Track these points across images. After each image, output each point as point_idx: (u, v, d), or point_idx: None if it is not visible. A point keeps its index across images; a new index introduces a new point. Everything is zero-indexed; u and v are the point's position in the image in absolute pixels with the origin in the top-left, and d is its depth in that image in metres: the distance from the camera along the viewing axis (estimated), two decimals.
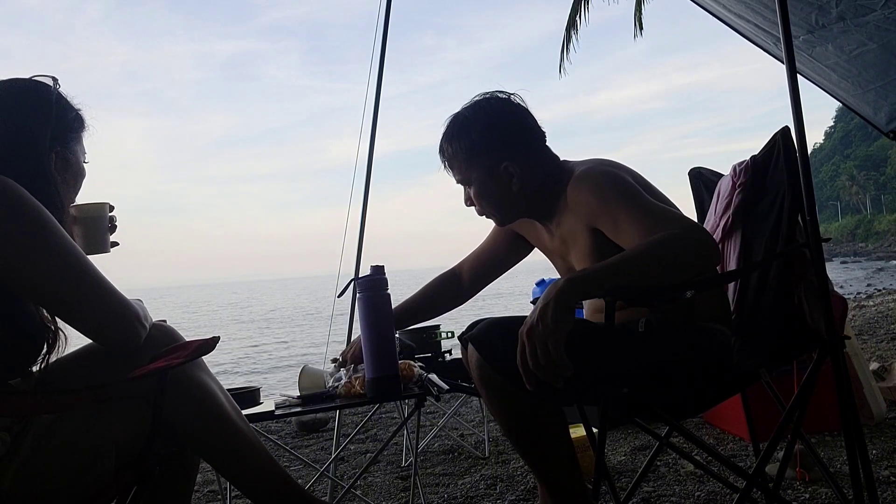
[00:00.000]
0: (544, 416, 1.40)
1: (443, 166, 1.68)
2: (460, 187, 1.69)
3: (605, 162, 1.57)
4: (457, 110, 1.64)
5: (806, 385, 1.48)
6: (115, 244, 1.52)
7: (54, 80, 1.35)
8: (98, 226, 1.46)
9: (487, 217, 1.71)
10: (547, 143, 1.65)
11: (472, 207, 1.69)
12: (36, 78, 1.34)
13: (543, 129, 1.65)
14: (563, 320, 1.17)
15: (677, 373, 1.44)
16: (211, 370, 1.41)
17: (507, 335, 1.35)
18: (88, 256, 1.25)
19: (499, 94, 1.64)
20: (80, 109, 1.38)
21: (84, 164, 1.40)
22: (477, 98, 1.65)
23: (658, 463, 2.58)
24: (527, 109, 1.64)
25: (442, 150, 1.65)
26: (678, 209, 1.51)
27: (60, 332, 1.27)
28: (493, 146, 1.59)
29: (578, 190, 1.50)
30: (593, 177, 1.49)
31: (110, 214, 1.50)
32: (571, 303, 1.20)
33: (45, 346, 1.24)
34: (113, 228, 1.50)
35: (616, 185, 1.45)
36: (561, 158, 1.65)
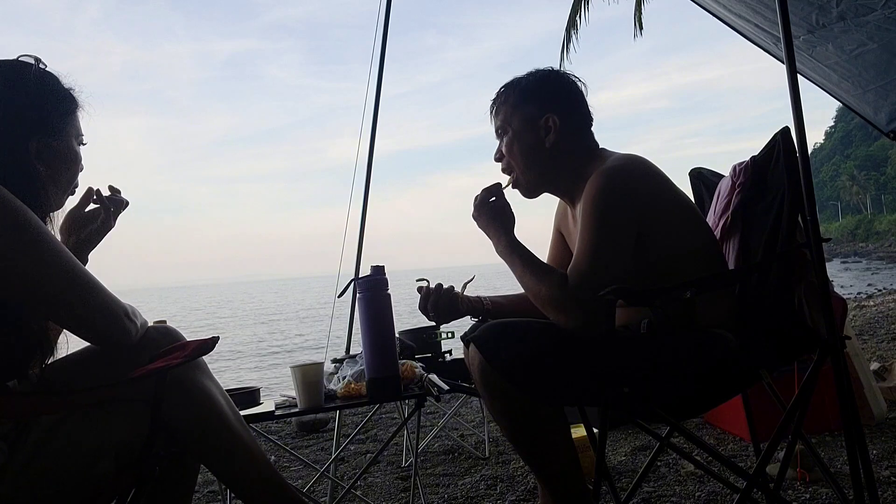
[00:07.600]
0: (545, 418, 1.40)
1: (489, 112, 1.71)
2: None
3: (631, 166, 1.52)
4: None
5: (806, 385, 1.48)
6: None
7: (36, 59, 1.26)
8: (317, 384, 1.86)
9: (510, 175, 1.67)
10: (592, 130, 1.68)
11: (499, 164, 1.69)
12: (22, 58, 1.25)
13: (593, 117, 1.69)
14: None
15: (678, 373, 1.44)
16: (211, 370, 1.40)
17: (509, 337, 1.35)
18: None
19: (566, 72, 1.72)
20: (71, 88, 1.30)
21: (78, 148, 1.32)
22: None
23: (658, 463, 2.57)
24: (584, 93, 1.69)
25: (497, 94, 1.70)
26: (696, 215, 1.59)
27: (61, 335, 1.27)
28: (545, 96, 1.64)
29: (592, 182, 1.49)
30: (605, 181, 1.47)
31: (122, 197, 1.50)
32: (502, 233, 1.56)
33: (43, 350, 1.23)
34: (125, 203, 1.51)
35: (607, 206, 1.45)
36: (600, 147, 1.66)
